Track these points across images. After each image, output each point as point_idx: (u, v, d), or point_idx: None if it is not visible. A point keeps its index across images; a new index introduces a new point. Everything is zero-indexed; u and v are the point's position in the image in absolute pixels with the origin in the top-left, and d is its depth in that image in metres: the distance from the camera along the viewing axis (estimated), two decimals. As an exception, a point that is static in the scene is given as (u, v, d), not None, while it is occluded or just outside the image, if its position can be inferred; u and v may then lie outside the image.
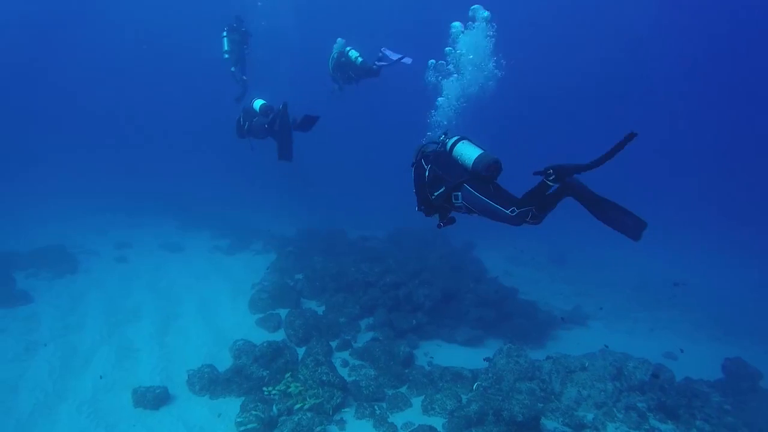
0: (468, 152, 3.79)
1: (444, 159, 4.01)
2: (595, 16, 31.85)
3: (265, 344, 7.21)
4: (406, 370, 7.83)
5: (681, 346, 10.89)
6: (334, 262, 11.44)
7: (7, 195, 19.40)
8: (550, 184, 3.36)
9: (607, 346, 8.04)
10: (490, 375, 7.31)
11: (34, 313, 9.03)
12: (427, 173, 4.12)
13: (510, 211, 3.51)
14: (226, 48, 10.10)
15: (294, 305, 9.94)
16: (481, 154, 3.74)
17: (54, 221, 16.76)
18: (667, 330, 11.96)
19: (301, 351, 7.92)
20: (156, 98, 37.68)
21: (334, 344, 8.45)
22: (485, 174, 3.69)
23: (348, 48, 9.00)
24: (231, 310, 9.81)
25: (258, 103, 7.64)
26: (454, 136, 4.00)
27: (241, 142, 8.39)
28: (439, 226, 4.30)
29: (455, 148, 3.90)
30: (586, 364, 7.39)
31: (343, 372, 7.52)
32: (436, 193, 3.99)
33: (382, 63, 8.66)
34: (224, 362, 7.65)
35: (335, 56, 9.03)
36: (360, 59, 8.77)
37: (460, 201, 3.85)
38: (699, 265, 18.55)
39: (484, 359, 7.94)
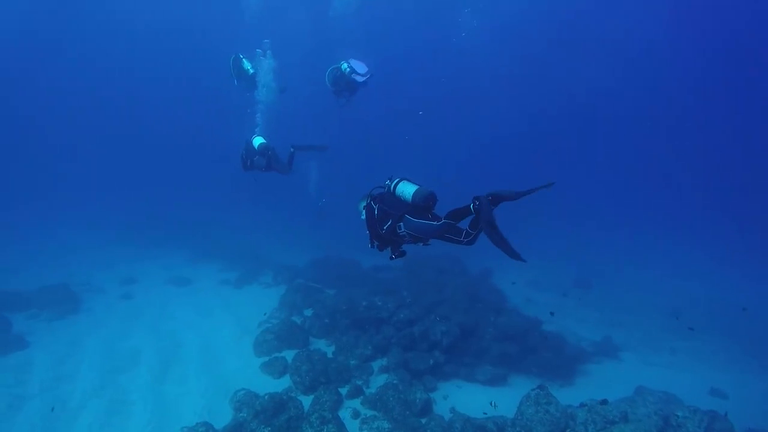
0: (407, 189, 4.45)
1: (389, 198, 4.64)
2: (602, 21, 31.52)
3: (267, 397, 6.53)
4: (423, 420, 7.08)
5: (728, 380, 9.89)
6: (345, 296, 10.78)
7: (14, 225, 19.44)
8: (472, 211, 3.95)
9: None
10: (517, 428, 6.49)
11: (26, 361, 8.51)
12: (376, 212, 4.70)
13: (437, 222, 4.18)
14: (248, 66, 10.25)
15: (302, 346, 9.28)
16: (418, 188, 4.41)
17: (64, 254, 16.60)
18: (709, 363, 10.89)
19: (308, 400, 7.23)
20: (169, 119, 37.97)
21: (344, 391, 7.74)
22: (423, 204, 4.34)
23: (342, 62, 9.21)
24: (235, 353, 9.16)
25: (257, 141, 7.81)
26: (396, 178, 4.65)
27: (246, 174, 8.57)
28: (391, 258, 4.83)
29: (397, 188, 4.55)
30: (627, 413, 6.54)
31: (353, 425, 6.81)
32: (385, 227, 4.58)
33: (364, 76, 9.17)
34: (224, 415, 7.02)
35: (332, 70, 9.22)
36: (348, 69, 9.04)
37: (403, 230, 4.44)
38: (734, 286, 17.44)
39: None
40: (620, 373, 10.14)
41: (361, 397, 7.68)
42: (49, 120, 34.96)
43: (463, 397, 8.39)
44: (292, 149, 7.90)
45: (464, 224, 4.21)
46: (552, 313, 10.62)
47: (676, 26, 29.64)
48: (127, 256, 16.67)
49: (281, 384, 7.97)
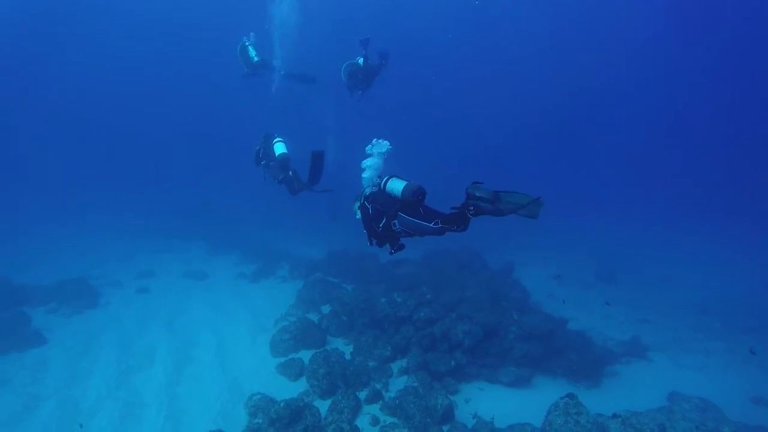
0: (396, 186, 4.46)
1: (380, 196, 4.70)
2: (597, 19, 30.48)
3: (282, 404, 6.27)
4: (445, 428, 6.77)
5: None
6: (363, 292, 10.47)
7: (34, 217, 19.66)
8: (470, 216, 3.92)
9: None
10: (546, 441, 6.13)
11: (43, 358, 8.45)
12: (370, 211, 4.79)
13: (433, 224, 4.17)
14: (252, 54, 10.44)
15: (319, 345, 9.03)
16: (406, 184, 4.41)
17: (82, 245, 16.72)
18: (748, 366, 10.26)
19: (325, 404, 6.98)
20: (187, 111, 37.90)
21: (362, 395, 7.46)
22: (413, 199, 4.33)
23: (358, 57, 9.36)
24: (250, 353, 8.94)
25: (279, 149, 7.39)
26: (385, 176, 4.67)
27: (256, 169, 8.16)
28: (391, 252, 4.88)
29: (387, 185, 4.57)
30: (665, 427, 6.12)
31: (373, 433, 6.54)
32: (380, 225, 4.66)
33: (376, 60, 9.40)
34: (239, 419, 6.83)
35: (348, 64, 9.28)
36: (362, 62, 9.29)
37: (398, 227, 4.53)
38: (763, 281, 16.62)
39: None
40: (651, 376, 9.67)
41: (380, 402, 7.38)
42: (68, 113, 35.23)
43: (485, 400, 8.06)
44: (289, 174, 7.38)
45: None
46: (564, 301, 10.14)
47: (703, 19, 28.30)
48: (144, 248, 16.71)
49: (298, 387, 7.73)
